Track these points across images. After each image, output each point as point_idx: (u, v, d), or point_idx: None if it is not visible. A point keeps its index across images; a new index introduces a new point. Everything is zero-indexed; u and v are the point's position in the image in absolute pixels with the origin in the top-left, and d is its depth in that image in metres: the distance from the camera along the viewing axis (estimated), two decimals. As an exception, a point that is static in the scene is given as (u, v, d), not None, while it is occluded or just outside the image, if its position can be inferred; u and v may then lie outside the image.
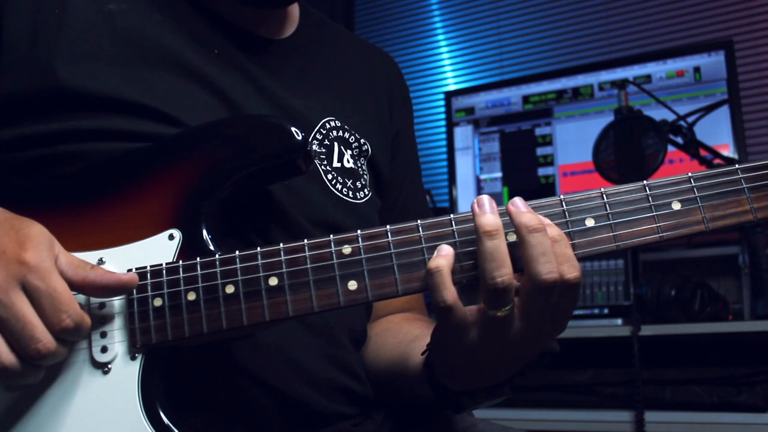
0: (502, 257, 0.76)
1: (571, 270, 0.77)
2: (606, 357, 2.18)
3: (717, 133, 2.47)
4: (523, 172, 2.81)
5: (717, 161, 2.28)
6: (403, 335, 1.05)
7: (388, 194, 1.16)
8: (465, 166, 2.92)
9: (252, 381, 0.90)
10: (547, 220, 0.79)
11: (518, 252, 0.78)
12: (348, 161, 1.07)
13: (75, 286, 0.78)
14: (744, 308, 2.35)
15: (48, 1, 0.94)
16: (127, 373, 0.81)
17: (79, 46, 0.92)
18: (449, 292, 0.77)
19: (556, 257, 0.76)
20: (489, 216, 0.78)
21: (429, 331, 0.92)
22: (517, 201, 0.79)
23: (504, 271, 0.76)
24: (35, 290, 0.74)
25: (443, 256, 0.78)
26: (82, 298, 0.82)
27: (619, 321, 2.24)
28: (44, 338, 0.74)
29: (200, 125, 0.91)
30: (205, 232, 0.85)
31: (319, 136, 1.04)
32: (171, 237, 0.84)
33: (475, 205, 0.79)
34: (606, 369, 2.17)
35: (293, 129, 0.87)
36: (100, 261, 0.84)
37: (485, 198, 0.79)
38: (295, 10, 1.15)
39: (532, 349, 0.83)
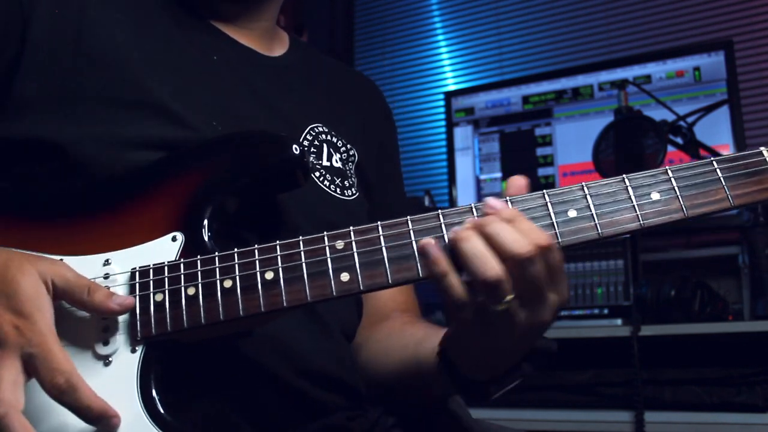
0: (483, 254, 0.77)
1: (541, 237, 0.78)
2: (606, 357, 2.17)
3: (717, 133, 2.46)
4: (523, 173, 2.79)
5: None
6: (408, 338, 1.09)
7: (373, 200, 1.20)
8: (465, 167, 2.92)
9: (249, 372, 0.93)
10: (497, 206, 0.81)
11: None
12: (336, 162, 1.12)
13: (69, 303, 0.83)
14: (744, 308, 2.34)
15: (68, 9, 0.99)
16: (127, 364, 0.84)
17: (93, 53, 0.97)
18: (442, 262, 0.79)
19: (522, 234, 0.78)
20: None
21: (433, 331, 0.97)
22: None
23: (489, 265, 0.77)
24: (30, 358, 0.76)
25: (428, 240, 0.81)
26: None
27: (619, 321, 2.24)
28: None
29: (206, 140, 0.97)
30: (205, 233, 0.89)
31: (309, 137, 1.10)
32: (174, 239, 0.89)
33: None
34: (606, 369, 2.16)
35: (293, 144, 0.92)
36: (106, 262, 0.88)
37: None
38: (284, 37, 1.23)
39: (545, 323, 0.83)
